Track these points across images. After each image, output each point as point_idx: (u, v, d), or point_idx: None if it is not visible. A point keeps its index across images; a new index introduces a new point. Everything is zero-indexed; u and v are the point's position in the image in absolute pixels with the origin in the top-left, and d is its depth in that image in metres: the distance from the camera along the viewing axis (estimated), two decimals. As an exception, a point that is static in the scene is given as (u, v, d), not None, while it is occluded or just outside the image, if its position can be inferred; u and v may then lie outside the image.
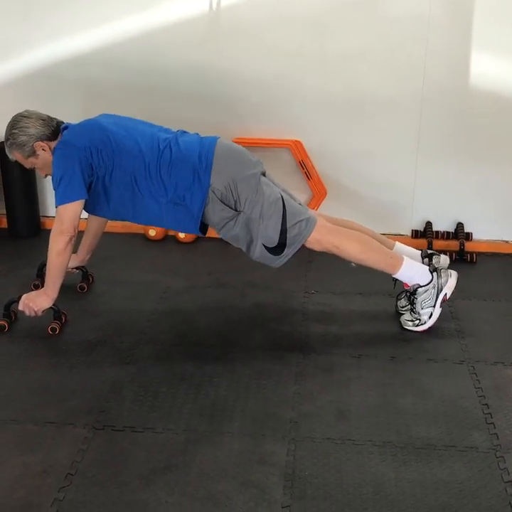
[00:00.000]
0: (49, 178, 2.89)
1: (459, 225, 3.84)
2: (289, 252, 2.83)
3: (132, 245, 3.88)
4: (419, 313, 2.94)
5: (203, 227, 2.91)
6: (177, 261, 3.71)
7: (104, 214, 2.99)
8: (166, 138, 2.87)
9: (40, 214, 4.03)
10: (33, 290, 3.02)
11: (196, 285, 3.41)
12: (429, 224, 3.87)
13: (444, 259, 3.08)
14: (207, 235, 3.01)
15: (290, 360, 2.73)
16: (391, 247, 3.05)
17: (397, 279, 2.98)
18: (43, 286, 2.94)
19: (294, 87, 3.74)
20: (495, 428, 2.31)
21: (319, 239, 2.84)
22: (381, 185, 3.86)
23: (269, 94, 3.77)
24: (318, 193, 3.81)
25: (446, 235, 3.85)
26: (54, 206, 2.81)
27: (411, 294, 2.96)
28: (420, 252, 3.10)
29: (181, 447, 2.21)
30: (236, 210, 2.81)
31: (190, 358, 2.73)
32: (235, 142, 3.68)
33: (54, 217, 2.82)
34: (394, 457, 2.17)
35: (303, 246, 2.85)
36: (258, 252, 2.84)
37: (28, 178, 3.88)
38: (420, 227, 3.91)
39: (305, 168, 3.75)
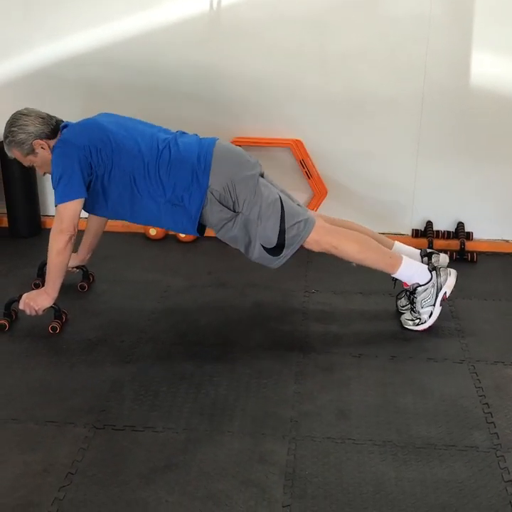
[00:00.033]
0: (48, 176, 2.89)
1: (460, 225, 3.85)
2: (287, 252, 2.83)
3: (133, 244, 3.88)
4: (419, 312, 2.94)
5: (201, 228, 2.91)
6: (177, 260, 3.71)
7: (103, 213, 2.99)
8: (166, 138, 2.87)
9: (41, 213, 4.03)
10: (33, 289, 3.02)
11: (196, 284, 3.41)
12: (429, 223, 3.87)
13: (443, 258, 3.08)
14: (207, 235, 3.01)
15: (290, 359, 2.73)
16: (390, 247, 3.05)
17: (396, 279, 2.98)
18: (43, 286, 2.94)
19: (294, 86, 3.74)
20: (495, 427, 2.31)
21: (318, 239, 2.84)
22: (381, 184, 3.86)
23: (269, 93, 3.77)
24: (318, 192, 3.81)
25: (447, 235, 3.85)
26: (54, 205, 2.81)
27: (411, 293, 2.96)
28: (419, 251, 3.10)
29: (181, 446, 2.21)
30: (234, 211, 2.81)
31: (191, 357, 2.73)
32: (236, 141, 3.71)
33: (54, 216, 2.82)
34: (394, 456, 2.17)
35: (301, 247, 2.85)
36: (257, 253, 2.85)
37: (28, 178, 3.88)
38: (421, 227, 3.91)
39: (305, 168, 3.75)
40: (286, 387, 2.54)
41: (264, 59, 3.71)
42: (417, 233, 3.88)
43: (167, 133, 2.93)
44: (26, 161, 2.92)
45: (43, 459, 2.14)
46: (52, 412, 2.37)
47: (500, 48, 3.57)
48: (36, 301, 2.86)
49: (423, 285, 2.92)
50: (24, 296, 2.89)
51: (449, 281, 2.94)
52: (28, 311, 2.87)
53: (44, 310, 2.88)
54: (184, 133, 2.96)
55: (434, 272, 2.94)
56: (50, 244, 2.81)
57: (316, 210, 3.74)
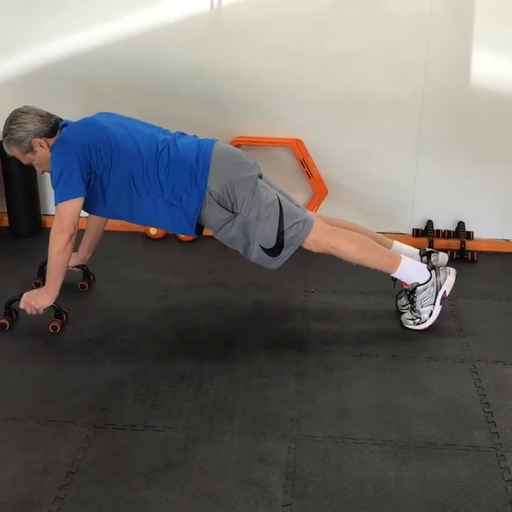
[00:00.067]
0: (48, 175, 2.89)
1: (460, 224, 3.84)
2: (286, 253, 2.84)
3: (133, 244, 3.88)
4: (419, 311, 2.94)
5: (198, 229, 2.91)
6: (178, 260, 3.71)
7: (101, 213, 2.99)
8: (165, 139, 2.87)
9: (41, 212, 4.03)
10: (34, 288, 3.02)
11: (197, 284, 3.41)
12: (430, 223, 3.87)
13: (442, 257, 3.08)
14: (207, 234, 3.01)
15: (290, 358, 2.73)
16: (389, 246, 3.05)
17: (396, 278, 2.98)
18: (44, 285, 2.94)
19: (294, 85, 3.74)
20: (495, 427, 2.31)
21: (317, 240, 2.84)
22: (382, 184, 3.86)
23: (270, 92, 3.76)
24: (319, 191, 3.80)
25: (447, 234, 3.85)
26: (54, 204, 2.81)
27: (410, 292, 2.96)
28: (419, 250, 3.10)
29: (182, 445, 2.21)
30: (233, 212, 2.81)
31: (191, 357, 2.73)
32: (236, 141, 3.71)
33: (54, 215, 2.82)
34: (394, 456, 2.17)
35: (300, 247, 2.85)
36: (256, 254, 2.85)
37: (29, 177, 3.88)
38: (421, 226, 3.91)
39: (306, 167, 3.75)
40: (286, 387, 2.54)
41: (264, 58, 3.71)
42: (417, 233, 3.88)
43: (166, 134, 2.94)
44: (25, 159, 2.92)
45: (44, 458, 2.14)
46: (52, 411, 2.37)
47: (501, 48, 3.57)
48: (37, 301, 2.86)
49: (422, 284, 2.92)
50: (25, 295, 2.89)
51: (449, 279, 2.94)
52: (28, 310, 2.87)
53: (44, 309, 2.88)
54: (183, 134, 2.96)
55: (433, 271, 2.94)
56: (50, 243, 2.81)
57: (316, 210, 3.74)
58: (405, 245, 3.13)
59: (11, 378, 2.59)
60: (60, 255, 2.80)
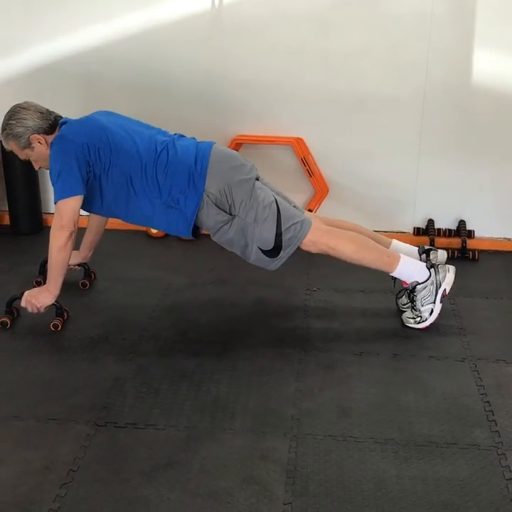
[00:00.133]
0: (48, 173, 2.89)
1: (461, 223, 3.84)
2: (284, 254, 2.84)
3: (134, 242, 3.88)
4: (419, 310, 2.94)
5: (195, 230, 2.92)
6: (178, 258, 3.71)
7: (98, 211, 2.99)
8: (164, 141, 2.88)
9: (42, 211, 4.03)
10: (35, 287, 3.02)
11: (197, 282, 3.41)
12: (431, 221, 3.87)
13: (441, 254, 3.07)
14: (208, 233, 3.01)
15: (291, 357, 2.73)
16: (388, 246, 3.05)
17: (396, 278, 2.98)
18: (45, 283, 2.94)
19: (296, 84, 3.74)
20: (496, 425, 2.31)
21: (315, 241, 2.84)
22: (383, 182, 3.86)
23: (271, 91, 3.76)
24: (320, 190, 3.80)
25: (448, 233, 3.85)
26: (54, 202, 2.80)
27: (410, 291, 2.96)
28: (418, 248, 3.10)
29: (183, 444, 2.21)
30: (231, 215, 2.82)
31: (192, 355, 2.73)
32: (238, 140, 3.71)
33: (54, 213, 2.82)
34: (395, 454, 2.17)
35: (299, 248, 2.86)
36: (254, 255, 2.85)
37: (30, 175, 3.88)
38: (422, 225, 3.91)
39: (307, 165, 3.74)
40: (287, 385, 2.54)
41: (266, 57, 3.70)
42: (418, 231, 3.88)
43: (165, 135, 2.94)
44: (22, 154, 2.92)
45: (45, 457, 2.14)
46: (53, 410, 2.37)
47: (502, 46, 3.56)
48: (38, 299, 2.86)
49: (422, 283, 2.92)
50: (26, 293, 2.89)
51: (448, 277, 2.94)
52: (29, 309, 2.87)
53: (46, 307, 2.88)
54: (182, 136, 2.96)
55: (432, 270, 2.94)
56: (50, 241, 2.81)
57: (317, 209, 3.74)
58: (404, 244, 3.13)
59: (12, 376, 2.59)
60: (61, 253, 2.80)
